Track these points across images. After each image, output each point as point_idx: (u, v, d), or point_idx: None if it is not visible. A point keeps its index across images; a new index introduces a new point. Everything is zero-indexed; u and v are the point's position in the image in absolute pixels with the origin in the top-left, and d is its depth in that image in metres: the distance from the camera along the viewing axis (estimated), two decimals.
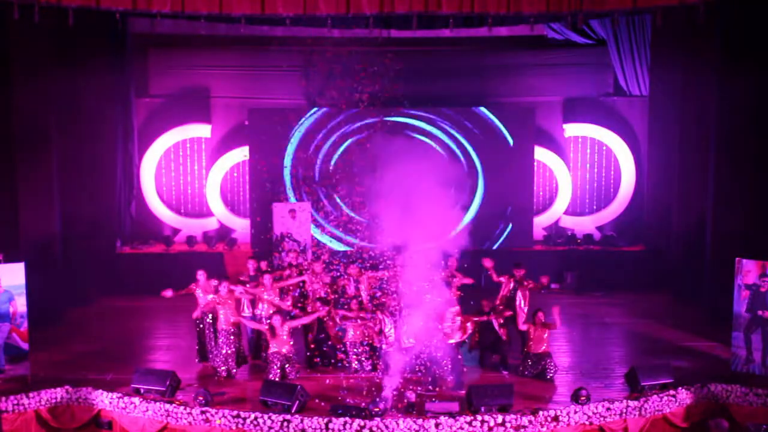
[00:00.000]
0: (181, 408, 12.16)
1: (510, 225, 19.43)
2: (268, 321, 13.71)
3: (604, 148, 20.46)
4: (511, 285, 14.41)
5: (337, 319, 14.07)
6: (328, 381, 13.47)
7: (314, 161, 19.18)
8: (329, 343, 14.18)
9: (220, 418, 11.98)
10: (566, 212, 20.50)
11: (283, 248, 17.53)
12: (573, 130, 20.43)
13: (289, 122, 19.02)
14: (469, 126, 19.17)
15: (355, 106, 18.19)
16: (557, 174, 20.34)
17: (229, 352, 13.71)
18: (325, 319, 14.19)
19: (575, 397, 12.37)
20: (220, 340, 13.72)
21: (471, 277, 14.90)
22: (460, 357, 13.49)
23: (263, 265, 15.11)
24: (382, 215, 13.60)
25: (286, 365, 13.37)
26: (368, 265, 15.31)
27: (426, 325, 13.44)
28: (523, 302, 14.29)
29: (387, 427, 11.66)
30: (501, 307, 14.17)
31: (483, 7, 13.78)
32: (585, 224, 20.41)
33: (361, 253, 16.48)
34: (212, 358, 13.87)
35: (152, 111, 20.22)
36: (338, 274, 15.06)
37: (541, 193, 20.55)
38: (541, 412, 11.99)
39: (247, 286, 14.33)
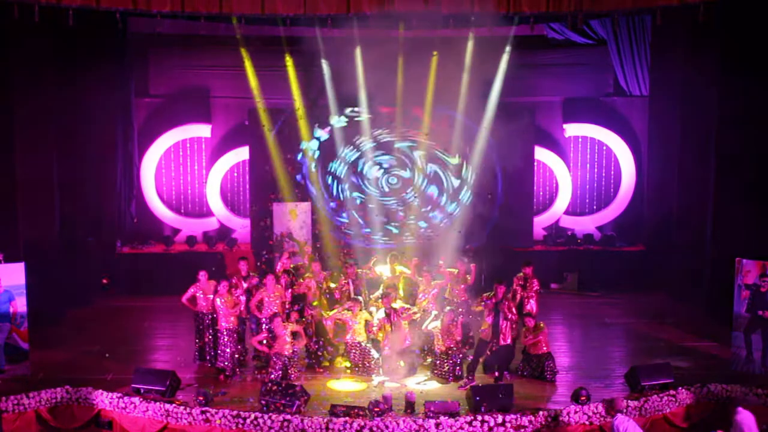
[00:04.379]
0: (181, 408, 12.15)
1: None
2: (269, 321, 13.71)
3: (604, 148, 20.46)
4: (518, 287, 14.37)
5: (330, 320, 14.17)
6: (328, 381, 13.48)
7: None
8: (323, 344, 14.22)
9: (220, 418, 11.97)
10: (566, 212, 20.49)
11: (283, 248, 17.54)
12: (573, 130, 20.42)
13: (289, 122, 19.02)
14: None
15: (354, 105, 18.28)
16: (557, 174, 20.34)
17: (233, 350, 13.73)
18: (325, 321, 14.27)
19: (575, 397, 12.37)
20: (225, 339, 13.72)
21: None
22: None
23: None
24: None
25: (288, 366, 13.36)
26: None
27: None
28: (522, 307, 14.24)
29: (387, 427, 11.65)
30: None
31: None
32: (585, 224, 20.41)
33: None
34: (217, 357, 13.88)
35: (152, 111, 20.22)
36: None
37: (541, 193, 20.55)
38: (541, 412, 11.99)
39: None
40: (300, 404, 12.15)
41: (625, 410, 11.43)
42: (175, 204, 20.48)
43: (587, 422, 12.08)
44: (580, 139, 20.58)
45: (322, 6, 13.96)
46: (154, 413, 12.24)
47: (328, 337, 14.30)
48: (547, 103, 20.25)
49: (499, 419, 11.77)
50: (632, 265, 19.18)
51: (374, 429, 11.63)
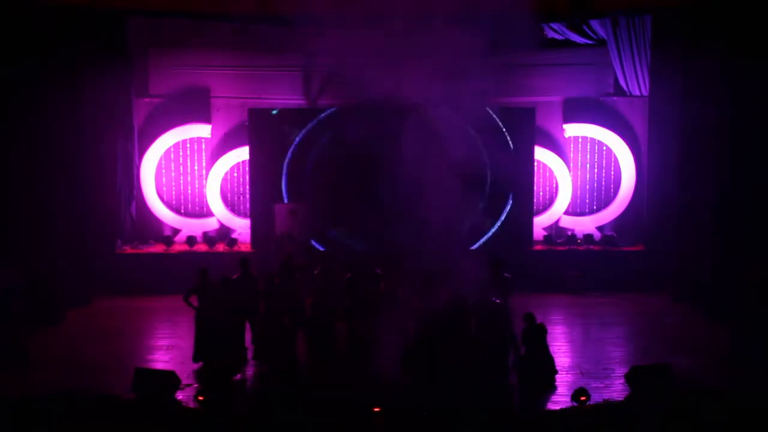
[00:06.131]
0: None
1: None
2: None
3: (604, 148, 20.46)
4: None
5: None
6: (328, 381, 13.48)
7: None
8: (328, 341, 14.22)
9: (219, 415, 11.96)
10: (566, 212, 20.49)
11: (284, 249, 17.51)
12: (573, 130, 20.43)
13: (289, 122, 19.01)
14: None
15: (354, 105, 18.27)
16: (557, 174, 20.34)
17: (235, 350, 13.75)
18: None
19: (575, 397, 12.35)
20: (226, 339, 13.73)
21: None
22: None
23: None
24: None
25: (289, 365, 13.36)
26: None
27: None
28: None
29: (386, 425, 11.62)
30: None
31: None
32: (585, 224, 20.41)
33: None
34: (218, 357, 13.88)
35: (152, 111, 20.21)
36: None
37: (541, 193, 20.55)
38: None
39: None
40: (300, 404, 12.15)
41: None
42: (175, 204, 20.49)
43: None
44: (580, 140, 20.58)
45: (322, 5, 13.97)
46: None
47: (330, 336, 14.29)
48: (547, 103, 20.26)
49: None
50: (632, 265, 19.18)
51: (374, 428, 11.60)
